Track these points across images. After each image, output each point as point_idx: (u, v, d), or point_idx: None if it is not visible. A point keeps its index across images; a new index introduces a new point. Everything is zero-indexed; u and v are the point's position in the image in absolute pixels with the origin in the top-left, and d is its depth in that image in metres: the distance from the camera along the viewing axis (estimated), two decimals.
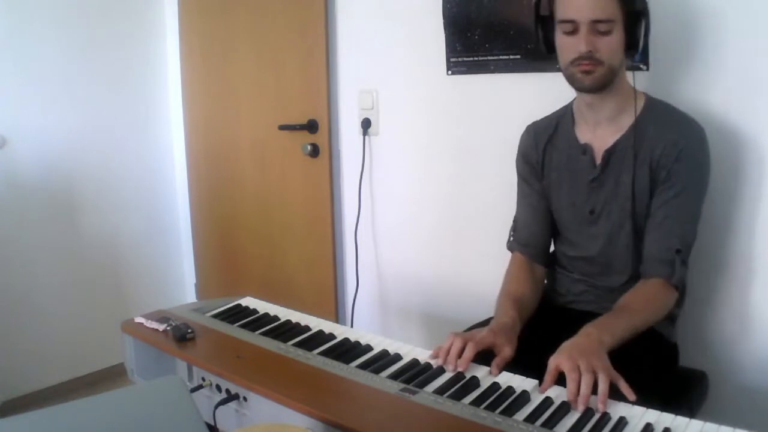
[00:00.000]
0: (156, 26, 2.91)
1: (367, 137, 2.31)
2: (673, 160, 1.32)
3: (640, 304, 1.29)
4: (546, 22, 1.39)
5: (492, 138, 1.99)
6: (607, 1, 1.26)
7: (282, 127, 2.47)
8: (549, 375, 1.11)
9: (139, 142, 2.89)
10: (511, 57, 1.88)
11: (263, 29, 2.51)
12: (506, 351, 1.24)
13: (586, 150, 1.43)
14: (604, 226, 1.43)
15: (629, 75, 1.40)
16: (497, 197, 2.00)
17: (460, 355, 1.20)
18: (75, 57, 2.63)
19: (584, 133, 1.45)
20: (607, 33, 1.28)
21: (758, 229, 1.52)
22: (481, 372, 1.19)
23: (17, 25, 2.46)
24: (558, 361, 1.11)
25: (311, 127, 2.42)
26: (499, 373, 1.19)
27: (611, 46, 1.29)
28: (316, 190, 2.46)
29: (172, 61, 2.93)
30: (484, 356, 1.22)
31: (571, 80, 1.36)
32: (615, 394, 1.06)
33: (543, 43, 1.42)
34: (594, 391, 1.05)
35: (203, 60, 2.77)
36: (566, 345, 1.15)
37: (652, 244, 1.35)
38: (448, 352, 1.22)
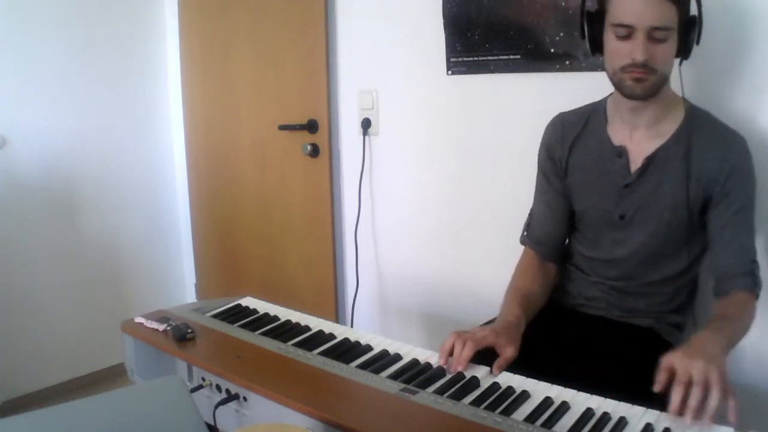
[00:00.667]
0: (156, 26, 2.91)
1: (367, 137, 2.31)
2: (726, 175, 1.29)
3: (736, 313, 1.25)
4: (593, 19, 1.33)
5: (492, 138, 1.99)
6: (666, 7, 1.22)
7: (282, 127, 2.47)
8: (663, 372, 1.04)
9: (139, 142, 2.89)
10: (511, 57, 1.88)
11: (263, 29, 2.51)
12: (508, 351, 1.23)
13: (622, 153, 1.39)
14: (635, 232, 1.39)
15: (679, 82, 1.34)
16: (497, 196, 2.00)
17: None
18: (75, 57, 2.63)
19: (618, 135, 1.40)
20: (663, 41, 1.23)
21: (762, 234, 1.51)
22: (481, 372, 1.19)
23: (17, 25, 2.46)
24: (673, 357, 1.05)
25: (311, 127, 2.42)
26: (499, 372, 1.19)
27: (666, 54, 1.25)
28: (316, 190, 2.46)
29: (172, 61, 2.93)
30: (486, 356, 1.22)
31: (620, 86, 1.31)
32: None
33: (589, 42, 1.36)
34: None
35: (203, 60, 2.77)
36: (684, 346, 1.09)
37: (727, 261, 1.31)
38: (448, 351, 1.21)
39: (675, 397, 0.99)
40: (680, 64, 1.31)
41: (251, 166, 2.67)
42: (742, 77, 1.52)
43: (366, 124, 2.29)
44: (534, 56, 1.83)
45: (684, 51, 1.29)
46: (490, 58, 1.93)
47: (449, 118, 2.09)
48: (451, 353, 1.22)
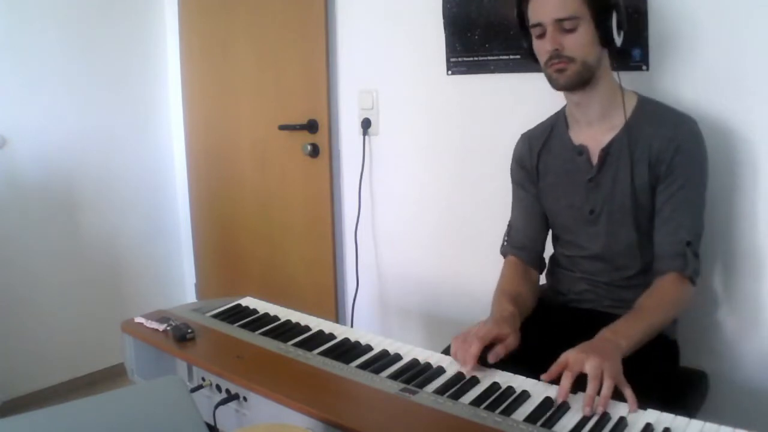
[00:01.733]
0: (156, 26, 2.91)
1: (367, 137, 2.31)
2: (671, 154, 1.33)
3: (657, 303, 1.29)
4: (527, 31, 1.42)
5: (492, 138, 1.99)
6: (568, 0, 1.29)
7: (282, 127, 2.47)
8: (555, 365, 1.11)
9: (139, 142, 2.89)
10: (511, 57, 1.88)
11: (263, 29, 2.51)
12: (511, 340, 1.24)
13: (582, 150, 1.44)
14: (605, 224, 1.43)
15: (615, 75, 1.41)
16: (497, 197, 2.00)
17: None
18: (75, 57, 2.63)
19: (578, 135, 1.46)
20: (572, 30, 1.31)
21: (759, 229, 1.52)
22: (481, 372, 1.18)
23: (17, 25, 2.46)
24: (568, 354, 1.11)
25: (311, 127, 2.42)
26: (497, 359, 1.19)
27: (578, 42, 1.31)
28: (316, 190, 2.46)
29: (172, 61, 2.93)
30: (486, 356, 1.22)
31: (550, 81, 1.39)
32: (622, 396, 1.06)
33: (529, 52, 1.44)
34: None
35: (203, 60, 2.77)
36: (581, 344, 1.14)
37: (662, 240, 1.35)
38: (457, 355, 1.21)
39: (563, 383, 1.06)
40: (613, 55, 1.37)
41: (251, 166, 2.67)
42: (693, 68, 1.55)
43: (366, 124, 2.29)
44: (534, 56, 1.82)
45: (606, 40, 1.33)
46: (490, 58, 1.93)
47: (449, 118, 2.09)
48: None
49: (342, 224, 2.46)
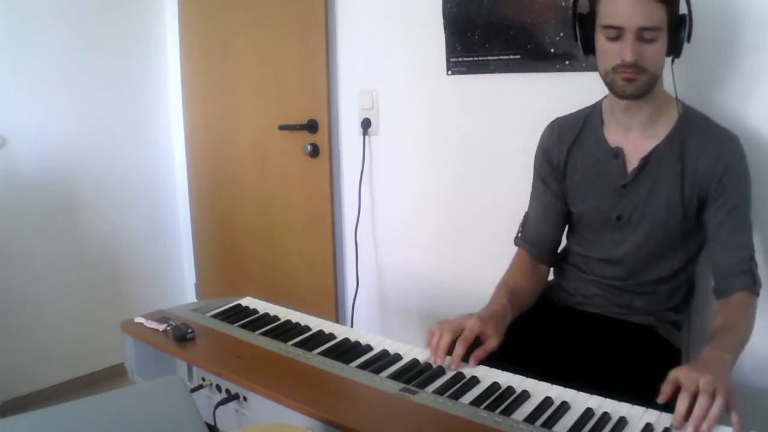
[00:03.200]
0: (156, 26, 2.91)
1: (367, 137, 2.31)
2: (720, 173, 1.30)
3: (739, 319, 1.26)
4: (585, 21, 1.35)
5: (492, 138, 1.99)
6: (655, 8, 1.23)
7: (282, 127, 2.47)
8: (667, 385, 1.05)
9: (139, 142, 2.89)
10: (511, 57, 1.88)
11: (263, 29, 2.51)
12: (491, 342, 1.24)
13: (618, 154, 1.40)
14: (633, 233, 1.40)
15: (672, 83, 1.35)
16: (497, 197, 2.00)
17: (450, 350, 1.20)
18: (75, 57, 2.63)
19: (614, 136, 1.42)
20: (652, 41, 1.25)
21: (763, 233, 1.51)
22: (481, 371, 1.19)
23: (17, 25, 2.46)
24: (678, 372, 1.05)
25: (311, 127, 2.42)
26: (477, 363, 1.20)
27: (656, 54, 1.26)
28: (316, 190, 2.46)
29: (172, 61, 2.93)
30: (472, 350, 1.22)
31: (612, 86, 1.33)
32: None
33: (582, 44, 1.38)
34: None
35: (203, 60, 2.77)
36: (691, 363, 1.10)
37: (726, 261, 1.32)
38: (436, 347, 1.22)
39: (681, 405, 0.99)
40: (672, 62, 1.32)
41: (251, 166, 2.67)
42: (733, 76, 1.52)
43: (366, 124, 2.29)
44: (534, 56, 1.83)
45: (675, 50, 1.30)
46: (490, 58, 1.93)
47: (449, 118, 2.09)
48: (440, 349, 1.22)
49: (342, 224, 2.46)
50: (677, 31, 1.28)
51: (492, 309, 1.33)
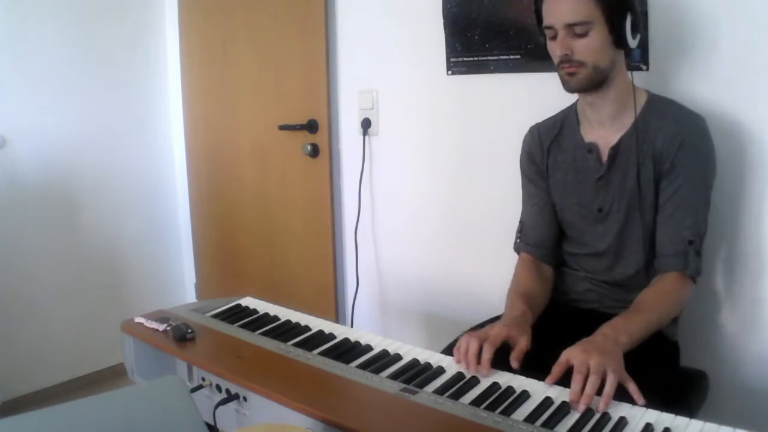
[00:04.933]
0: (156, 26, 2.91)
1: (367, 137, 2.31)
2: (675, 150, 1.33)
3: (656, 301, 1.29)
4: (541, 29, 1.41)
5: (492, 138, 1.99)
6: (579, 4, 1.28)
7: (282, 127, 2.47)
8: (557, 366, 1.11)
9: (139, 142, 2.89)
10: (511, 57, 1.88)
11: (263, 29, 2.51)
12: (522, 342, 1.24)
13: (592, 148, 1.44)
14: (613, 223, 1.43)
15: (629, 74, 1.40)
16: (497, 197, 2.00)
17: (478, 355, 1.19)
18: (75, 57, 2.63)
19: (589, 133, 1.46)
20: (583, 35, 1.30)
21: (763, 228, 1.51)
22: (494, 375, 1.17)
23: (17, 25, 2.46)
24: (570, 354, 1.11)
25: (311, 127, 2.42)
26: (519, 364, 1.19)
27: (589, 47, 1.31)
28: (316, 190, 2.46)
29: (172, 61, 2.93)
30: (499, 358, 1.21)
31: (561, 82, 1.38)
32: (623, 396, 1.06)
33: (546, 51, 1.43)
34: (600, 391, 1.05)
35: (203, 60, 2.77)
36: (581, 341, 1.14)
37: (663, 238, 1.35)
38: (466, 354, 1.20)
39: (575, 386, 1.05)
40: (627, 55, 1.37)
41: (251, 166, 2.67)
42: (714, 68, 1.53)
43: (366, 124, 2.29)
44: (534, 56, 1.83)
45: (620, 42, 1.32)
46: (490, 58, 1.93)
47: (449, 118, 2.09)
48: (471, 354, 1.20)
49: (342, 224, 2.46)
50: (617, 22, 1.30)
51: (512, 315, 1.33)
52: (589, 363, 1.07)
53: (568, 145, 1.49)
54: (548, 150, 1.52)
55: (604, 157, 1.42)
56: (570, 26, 1.29)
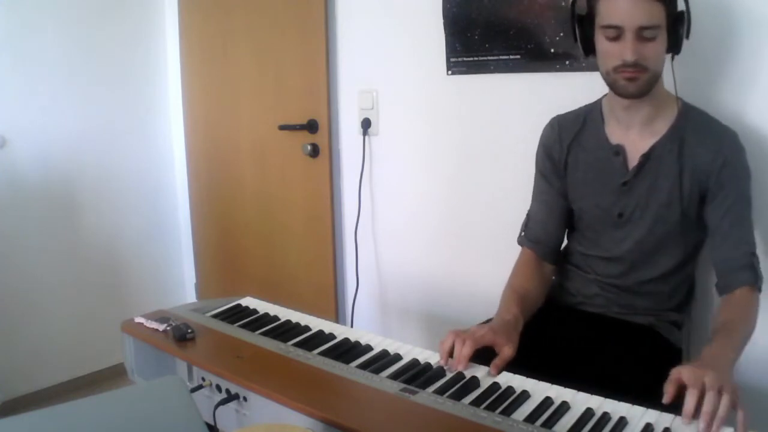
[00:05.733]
0: (156, 26, 2.91)
1: (367, 137, 2.31)
2: (719, 168, 1.31)
3: (741, 315, 1.26)
4: (584, 22, 1.36)
5: (492, 138, 1.99)
6: (653, 6, 1.23)
7: (282, 127, 2.47)
8: (670, 384, 1.04)
9: (139, 142, 2.89)
10: (511, 57, 1.88)
11: (263, 29, 2.51)
12: (506, 351, 1.23)
13: (619, 151, 1.40)
14: (634, 230, 1.41)
15: (672, 80, 1.35)
16: (497, 197, 2.00)
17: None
18: (75, 57, 2.63)
19: (615, 134, 1.42)
20: (652, 39, 1.25)
21: (760, 228, 1.51)
22: (481, 372, 1.19)
23: (17, 25, 2.46)
24: (681, 370, 1.05)
25: (311, 127, 2.42)
26: (498, 373, 1.19)
27: (657, 52, 1.27)
28: (316, 190, 2.46)
29: (172, 61, 2.93)
30: (485, 355, 1.22)
31: (613, 86, 1.33)
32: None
33: (581, 44, 1.38)
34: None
35: (203, 60, 2.77)
36: (693, 362, 1.09)
37: (727, 255, 1.32)
38: (449, 351, 1.21)
39: (690, 402, 0.98)
40: (672, 59, 1.33)
41: (251, 166, 2.67)
42: (731, 72, 1.52)
43: (366, 124, 2.29)
44: (534, 56, 1.83)
45: (674, 47, 1.30)
46: (490, 58, 1.93)
47: (449, 118, 2.09)
48: (451, 353, 1.21)
49: (342, 224, 2.46)
50: (676, 28, 1.28)
51: (504, 319, 1.32)
52: (704, 380, 1.00)
53: (590, 143, 1.45)
54: (569, 147, 1.47)
55: (632, 163, 1.38)
56: (642, 29, 1.24)
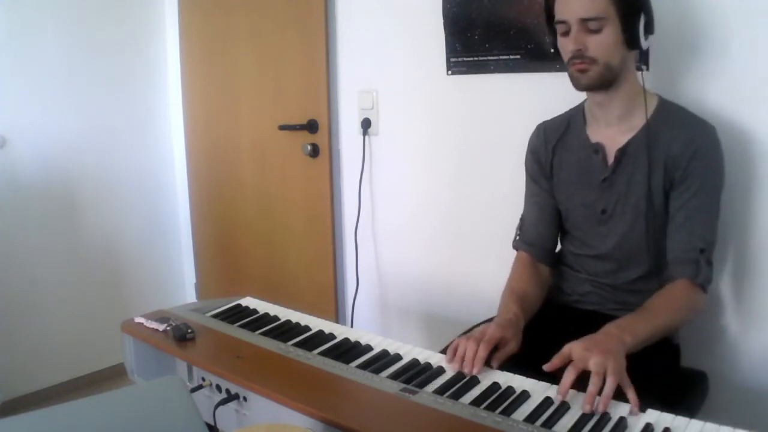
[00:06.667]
0: (156, 26, 2.91)
1: (367, 137, 2.31)
2: (687, 159, 1.32)
3: (665, 306, 1.28)
4: (550, 24, 1.40)
5: (492, 138, 1.99)
6: None
7: (282, 127, 2.47)
8: (558, 357, 1.11)
9: (139, 142, 2.89)
10: (511, 57, 1.88)
11: (263, 29, 2.51)
12: (511, 345, 1.24)
13: (598, 149, 1.43)
14: (617, 225, 1.42)
15: (639, 76, 1.39)
16: (497, 197, 2.00)
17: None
18: (75, 57, 2.63)
19: (596, 133, 1.45)
20: (597, 31, 1.29)
21: (763, 229, 1.51)
22: (482, 372, 1.18)
23: (17, 25, 2.46)
24: (572, 347, 1.11)
25: (311, 127, 2.42)
26: (499, 364, 1.19)
27: (603, 43, 1.30)
28: (316, 190, 2.46)
29: (172, 61, 2.93)
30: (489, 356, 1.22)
31: (571, 80, 1.37)
32: (623, 396, 1.06)
33: (552, 45, 1.42)
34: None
35: (203, 60, 2.77)
36: (585, 337, 1.14)
37: (675, 246, 1.34)
38: (463, 357, 1.20)
39: (566, 378, 1.06)
40: (640, 56, 1.37)
41: (251, 166, 2.67)
42: (718, 72, 1.53)
43: (366, 124, 2.29)
44: (534, 56, 1.83)
45: (631, 41, 1.31)
46: (490, 58, 1.93)
47: (449, 118, 2.09)
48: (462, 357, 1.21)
49: (342, 224, 2.46)
50: (630, 21, 1.29)
51: (506, 318, 1.33)
52: (589, 361, 1.06)
53: (573, 144, 1.49)
54: (554, 149, 1.51)
55: (610, 159, 1.41)
56: (584, 21, 1.28)
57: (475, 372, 1.17)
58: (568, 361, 1.10)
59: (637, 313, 1.26)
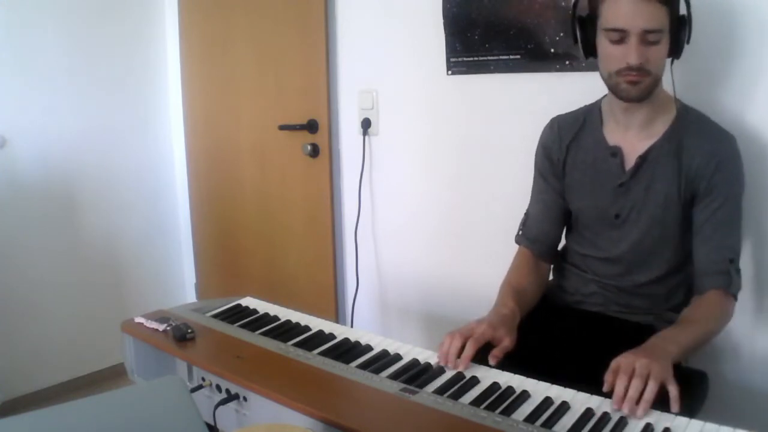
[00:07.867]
0: (156, 26, 2.91)
1: (367, 137, 2.31)
2: (711, 171, 1.31)
3: (703, 316, 1.27)
4: (585, 24, 1.35)
5: (492, 138, 1.99)
6: (658, 10, 1.22)
7: (282, 127, 2.47)
8: (609, 373, 1.09)
9: (139, 142, 2.89)
10: (511, 57, 1.88)
11: (263, 29, 2.51)
12: (506, 341, 1.24)
13: (616, 152, 1.40)
14: (630, 231, 1.41)
15: (670, 84, 1.35)
16: (497, 196, 2.00)
17: (460, 353, 1.20)
18: (75, 57, 2.63)
19: (613, 135, 1.42)
20: (656, 43, 1.25)
21: (764, 235, 1.51)
22: (481, 372, 1.19)
23: (17, 25, 2.46)
24: (619, 359, 1.10)
25: (311, 127, 2.42)
26: (497, 362, 1.19)
27: (660, 56, 1.27)
28: (316, 190, 2.46)
29: (172, 61, 2.93)
30: (484, 353, 1.22)
31: (615, 89, 1.33)
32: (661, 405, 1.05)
33: (582, 46, 1.37)
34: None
35: (203, 60, 2.77)
36: (631, 350, 1.13)
37: (704, 258, 1.33)
38: (447, 353, 1.21)
39: (618, 387, 1.03)
40: (671, 63, 1.32)
41: (251, 166, 2.67)
42: (732, 76, 1.52)
43: (366, 124, 2.29)
44: (534, 56, 1.83)
45: (676, 51, 1.30)
46: (490, 58, 1.93)
47: (449, 118, 2.09)
48: (452, 353, 1.21)
49: (342, 224, 2.46)
50: (678, 32, 1.28)
51: (501, 313, 1.33)
52: (635, 365, 1.05)
53: (589, 144, 1.45)
54: (568, 147, 1.48)
55: (629, 164, 1.38)
56: (647, 33, 1.23)
57: (460, 368, 1.18)
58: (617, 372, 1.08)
59: (678, 325, 1.25)
